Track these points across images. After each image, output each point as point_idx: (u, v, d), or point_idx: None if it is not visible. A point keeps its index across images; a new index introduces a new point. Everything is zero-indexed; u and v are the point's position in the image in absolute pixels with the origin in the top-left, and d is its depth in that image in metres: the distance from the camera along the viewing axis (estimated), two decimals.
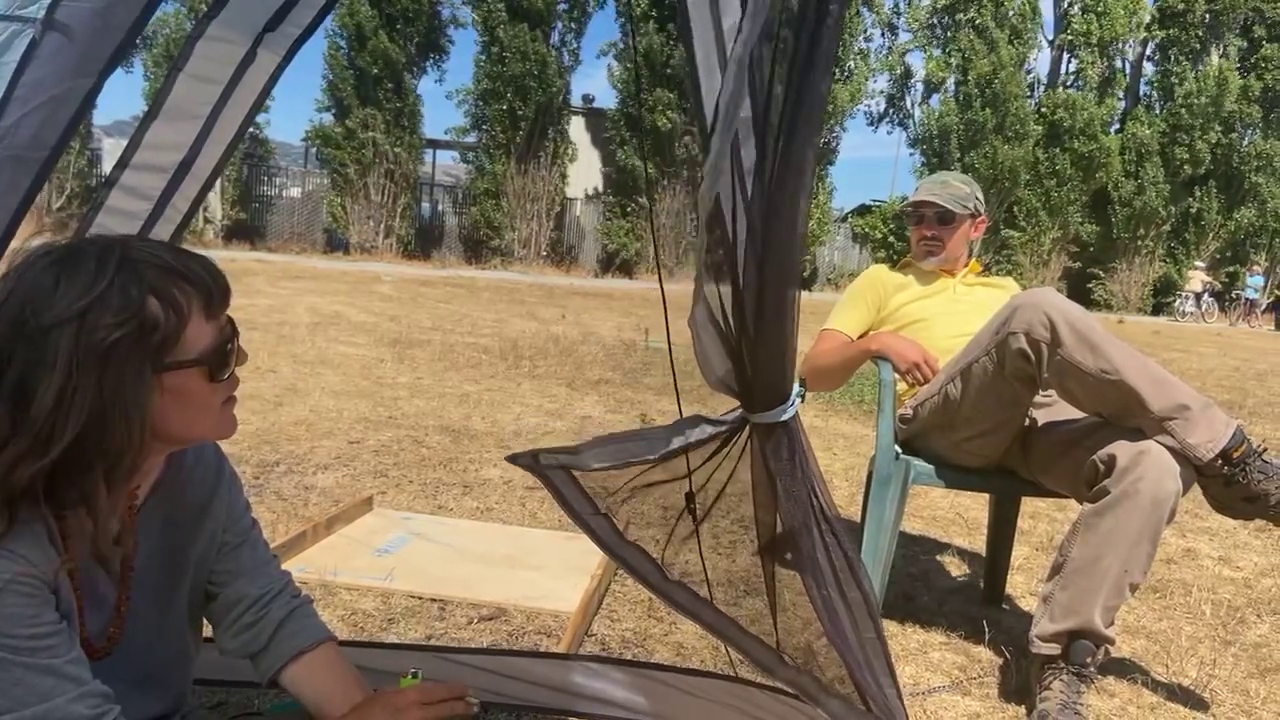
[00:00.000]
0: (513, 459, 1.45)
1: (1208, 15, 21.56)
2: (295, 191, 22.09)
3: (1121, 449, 1.79)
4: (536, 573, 2.40)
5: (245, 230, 20.41)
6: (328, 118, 20.07)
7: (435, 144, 22.22)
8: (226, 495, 1.19)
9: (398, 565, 2.36)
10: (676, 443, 1.31)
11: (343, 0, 18.79)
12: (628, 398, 5.18)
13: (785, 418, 1.16)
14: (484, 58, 19.95)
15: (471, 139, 20.99)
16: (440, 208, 23.10)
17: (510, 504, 3.05)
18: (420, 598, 2.20)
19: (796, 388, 1.15)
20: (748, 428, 1.22)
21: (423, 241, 21.50)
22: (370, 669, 1.31)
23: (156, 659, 1.13)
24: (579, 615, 2.06)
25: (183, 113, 1.40)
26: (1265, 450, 1.82)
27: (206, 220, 19.76)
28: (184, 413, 0.98)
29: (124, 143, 1.45)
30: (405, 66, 19.97)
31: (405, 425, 4.07)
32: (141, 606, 1.09)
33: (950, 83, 22.11)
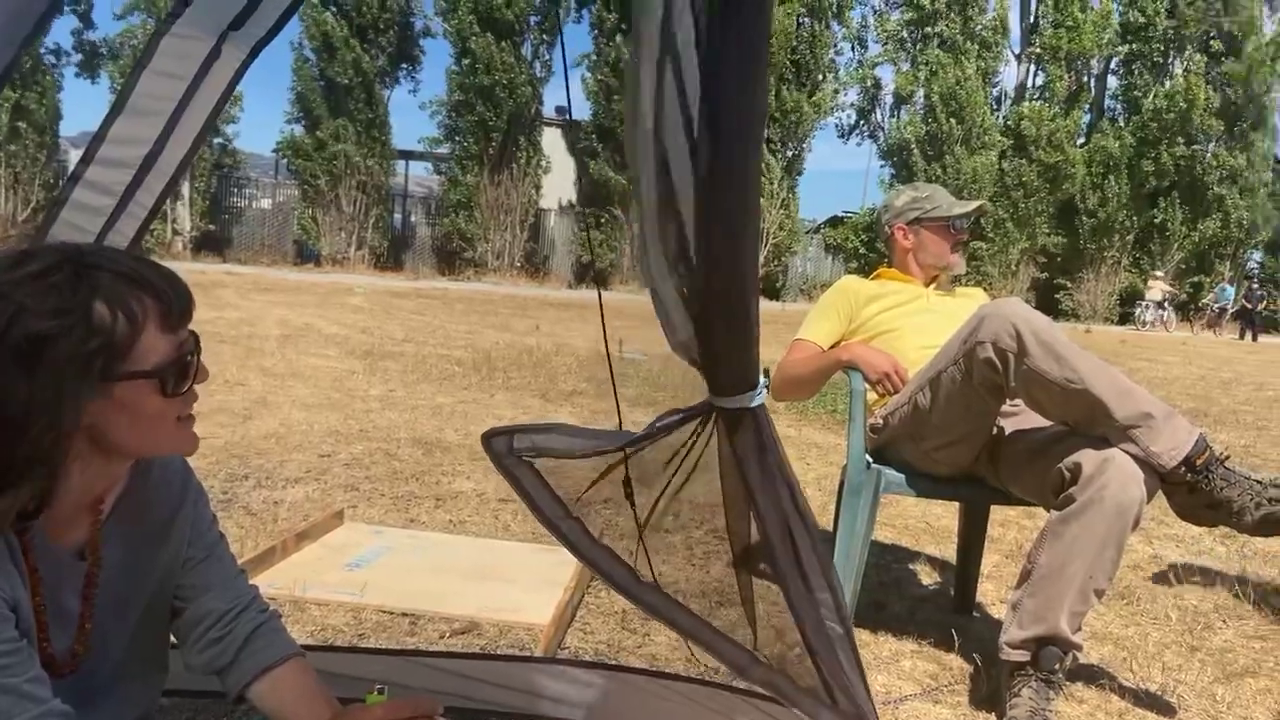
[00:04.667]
0: (488, 438, 1.45)
1: (1169, 30, 21.99)
2: (266, 203, 21.94)
3: (1087, 457, 1.82)
4: (509, 585, 2.38)
5: (214, 242, 20.23)
6: (298, 129, 19.97)
7: (408, 155, 22.17)
8: (192, 509, 1.17)
9: (369, 580, 2.34)
10: (646, 429, 1.31)
11: (311, 3, 18.71)
12: (602, 409, 5.18)
13: (753, 404, 1.16)
14: (456, 68, 19.96)
15: (444, 150, 20.97)
16: (413, 219, 23.02)
17: (483, 516, 3.03)
18: (391, 612, 2.18)
19: (763, 379, 1.15)
20: (714, 415, 1.22)
21: (395, 252, 21.42)
22: (341, 675, 1.30)
23: (122, 675, 1.11)
24: (552, 627, 2.05)
25: (146, 108, 1.39)
26: (1228, 458, 1.85)
27: (175, 232, 19.58)
28: (135, 426, 0.96)
29: None
30: (377, 77, 19.93)
31: (377, 438, 4.04)
32: (106, 622, 1.07)
33: (919, 95, 22.38)
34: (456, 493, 3.28)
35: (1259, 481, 1.79)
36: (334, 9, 19.24)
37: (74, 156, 19.30)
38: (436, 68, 41.31)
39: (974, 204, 2.59)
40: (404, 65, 20.90)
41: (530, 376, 6.22)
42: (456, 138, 20.47)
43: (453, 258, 20.92)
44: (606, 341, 1.43)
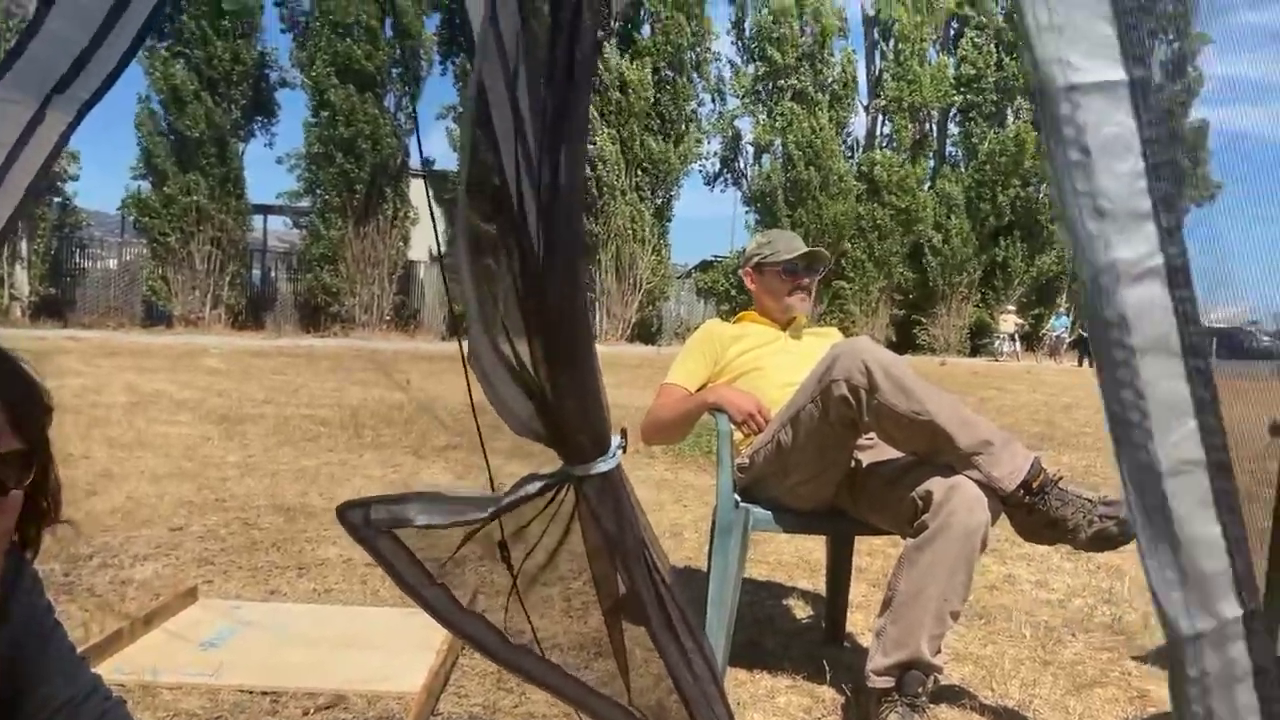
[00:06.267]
0: (343, 511, 1.40)
1: (999, 80, 23.72)
2: (111, 263, 20.79)
3: (936, 485, 1.91)
4: (377, 653, 2.30)
5: (55, 306, 18.96)
6: (145, 185, 19.07)
7: (266, 209, 21.48)
8: (26, 597, 1.10)
9: (225, 658, 2.21)
10: (508, 499, 1.29)
11: (160, 55, 18.03)
12: (476, 463, 5.09)
13: (607, 468, 1.16)
14: (314, 120, 19.56)
15: (305, 203, 20.43)
16: (273, 274, 22.25)
17: (350, 583, 2.92)
18: (251, 691, 2.06)
19: (617, 439, 1.15)
20: (571, 483, 1.22)
21: (254, 310, 20.60)
22: None
23: None
24: (423, 695, 1.98)
25: None
26: (1062, 479, 1.98)
27: (13, 297, 18.28)
28: None
29: None
30: (230, 130, 19.30)
31: (234, 507, 3.84)
32: None
33: (778, 145, 23.32)
34: (321, 560, 3.15)
35: (1090, 500, 1.91)
36: (183, 61, 18.59)
37: None
38: (294, 120, 40.41)
39: (805, 249, 2.64)
40: (259, 118, 20.34)
41: (401, 433, 6.06)
42: (318, 190, 19.97)
43: (317, 313, 20.28)
44: (472, 396, 1.41)
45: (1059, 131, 0.75)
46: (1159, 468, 0.73)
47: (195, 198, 18.64)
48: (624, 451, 1.20)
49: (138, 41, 1.41)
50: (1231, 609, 0.75)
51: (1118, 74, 0.72)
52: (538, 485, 1.26)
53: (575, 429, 1.11)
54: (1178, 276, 0.72)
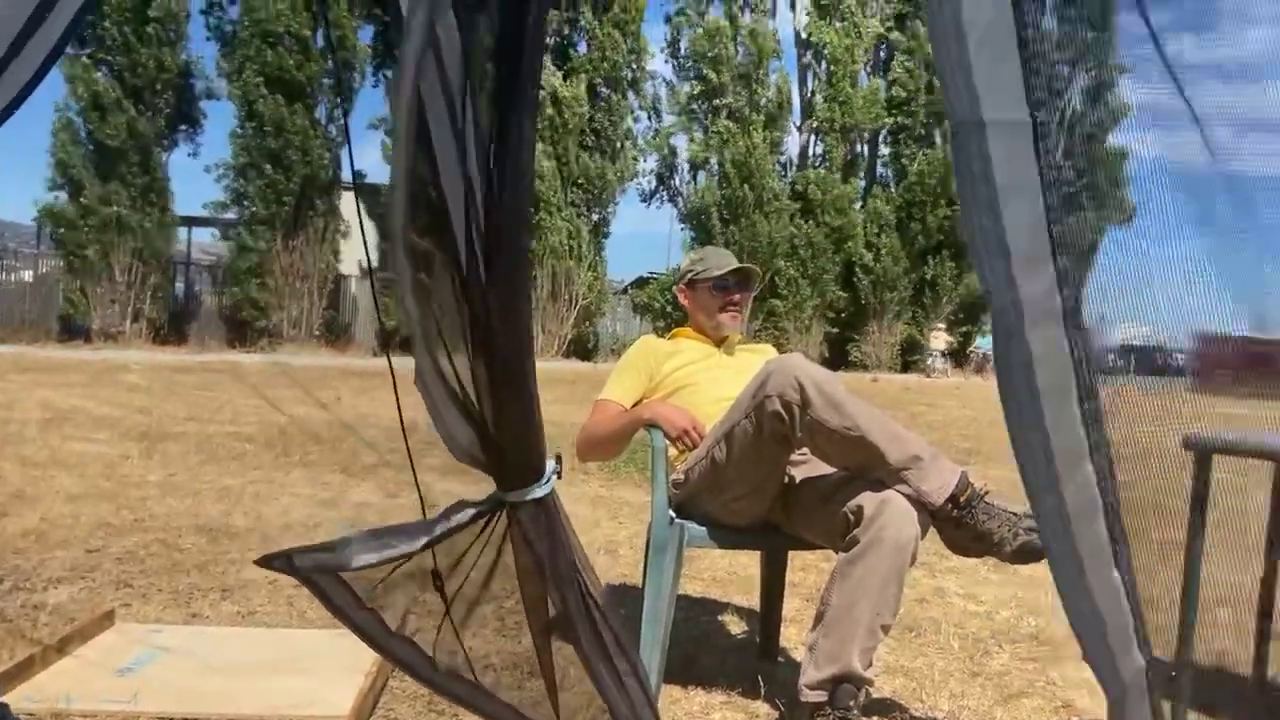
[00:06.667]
0: (264, 562, 1.35)
1: (929, 103, 24.37)
2: (26, 275, 19.97)
3: (867, 499, 1.94)
4: (304, 677, 2.23)
5: None
6: (62, 195, 18.36)
7: (191, 220, 20.88)
8: None
9: (143, 685, 2.12)
10: (440, 528, 1.27)
11: (83, 62, 17.45)
12: (408, 481, 5.00)
13: (541, 494, 1.16)
14: (241, 131, 19.11)
15: (231, 215, 19.91)
16: (197, 288, 21.63)
17: (276, 604, 2.84)
18: (171, 719, 1.99)
19: (551, 464, 1.15)
20: (505, 509, 1.21)
21: (177, 325, 19.96)
22: None
23: None
24: (352, 719, 1.93)
25: None
26: (988, 492, 2.03)
27: None
28: None
29: None
30: (154, 139, 18.73)
31: (154, 528, 3.71)
32: None
33: (713, 162, 23.57)
34: (246, 581, 3.06)
35: (1015, 514, 1.96)
36: (105, 69, 18.00)
37: None
38: (220, 130, 39.50)
39: (736, 265, 2.66)
40: (184, 127, 19.79)
41: (330, 451, 5.93)
42: (245, 202, 19.50)
43: (244, 328, 19.73)
44: (402, 415, 1.38)
45: (968, 168, 0.77)
46: (1067, 510, 0.75)
47: (116, 208, 18.01)
48: (559, 477, 1.19)
49: (56, 51, 1.36)
50: (1136, 660, 0.76)
51: (1022, 115, 0.74)
52: (470, 514, 1.24)
53: (514, 456, 1.10)
54: (1073, 319, 0.74)
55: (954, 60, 0.73)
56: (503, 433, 1.06)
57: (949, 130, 0.76)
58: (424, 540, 1.33)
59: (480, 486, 1.41)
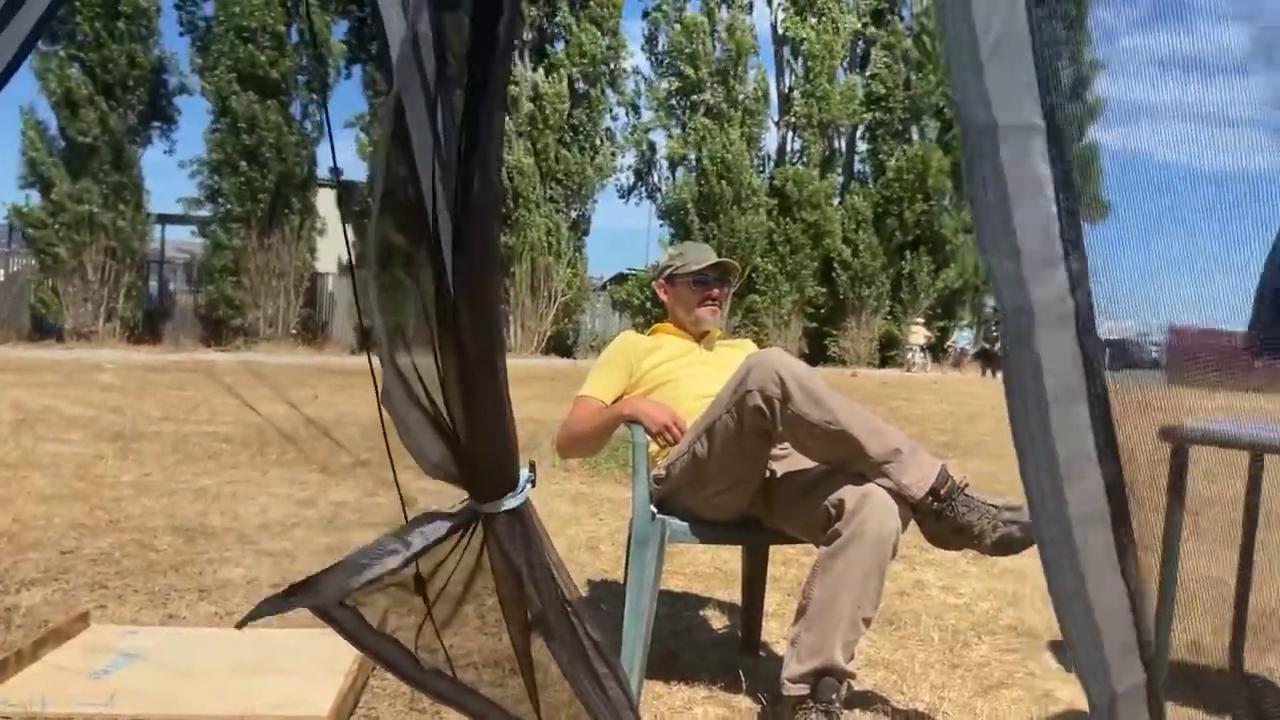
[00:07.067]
0: (243, 623, 1.33)
1: (907, 99, 24.48)
2: None
3: (849, 493, 1.95)
4: (283, 678, 2.21)
5: None
6: (33, 194, 18.10)
7: (165, 218, 20.64)
8: None
9: (120, 687, 2.10)
10: (417, 543, 1.25)
11: (58, 57, 17.20)
12: (386, 479, 4.97)
13: (516, 504, 1.14)
14: (215, 127, 18.91)
15: (206, 212, 19.70)
16: (171, 286, 21.40)
17: (254, 604, 2.81)
18: None
19: (526, 473, 1.13)
20: (479, 519, 1.19)
21: (151, 323, 19.73)
22: None
23: None
24: (332, 719, 1.92)
25: None
26: (968, 485, 2.04)
27: None
28: None
29: None
30: (126, 136, 18.49)
31: (129, 529, 3.67)
32: None
33: (691, 158, 23.58)
34: (224, 581, 3.03)
35: (995, 506, 1.98)
36: (78, 65, 17.74)
37: None
38: (194, 126, 38.99)
39: (715, 259, 2.66)
40: (157, 124, 19.55)
41: (308, 449, 5.89)
42: (220, 199, 19.30)
43: (219, 326, 19.53)
44: (382, 416, 1.37)
45: (979, 170, 0.76)
46: (1069, 517, 0.75)
47: (88, 206, 17.77)
48: (533, 485, 1.18)
49: (25, 49, 1.34)
50: (1135, 673, 0.76)
51: (1035, 118, 0.74)
52: (445, 527, 1.23)
53: (486, 465, 1.09)
54: (1085, 323, 0.74)
55: (965, 62, 0.73)
56: (474, 440, 1.04)
57: (959, 134, 0.76)
58: (401, 559, 1.31)
59: (457, 489, 1.40)
